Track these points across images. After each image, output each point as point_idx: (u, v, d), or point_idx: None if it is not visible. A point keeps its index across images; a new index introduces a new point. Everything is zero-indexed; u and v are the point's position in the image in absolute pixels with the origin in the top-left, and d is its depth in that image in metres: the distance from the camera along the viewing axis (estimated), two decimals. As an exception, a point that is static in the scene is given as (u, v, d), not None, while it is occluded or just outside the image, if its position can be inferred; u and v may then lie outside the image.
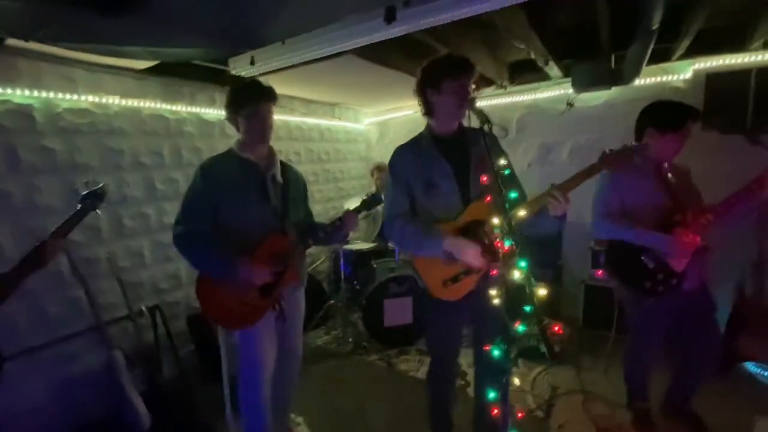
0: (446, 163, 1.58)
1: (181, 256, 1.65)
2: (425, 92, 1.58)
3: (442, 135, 1.63)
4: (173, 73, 2.66)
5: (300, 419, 2.20)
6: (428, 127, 1.67)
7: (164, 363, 2.48)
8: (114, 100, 2.45)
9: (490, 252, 1.43)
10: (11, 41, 1.90)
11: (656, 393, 2.08)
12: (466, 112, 1.51)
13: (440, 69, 1.52)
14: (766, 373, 2.49)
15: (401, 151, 1.68)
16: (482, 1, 1.61)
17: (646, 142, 1.78)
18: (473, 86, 1.52)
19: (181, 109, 2.84)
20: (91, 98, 2.35)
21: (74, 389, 2.19)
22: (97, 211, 1.63)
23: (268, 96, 1.67)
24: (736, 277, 2.49)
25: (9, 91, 2.04)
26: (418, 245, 1.58)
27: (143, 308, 2.40)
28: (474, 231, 1.51)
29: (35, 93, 2.13)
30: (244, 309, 1.65)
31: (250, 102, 1.65)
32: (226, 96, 1.70)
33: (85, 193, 1.58)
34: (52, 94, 2.19)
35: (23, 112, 2.10)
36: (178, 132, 2.84)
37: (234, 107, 1.68)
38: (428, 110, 1.63)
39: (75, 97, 2.28)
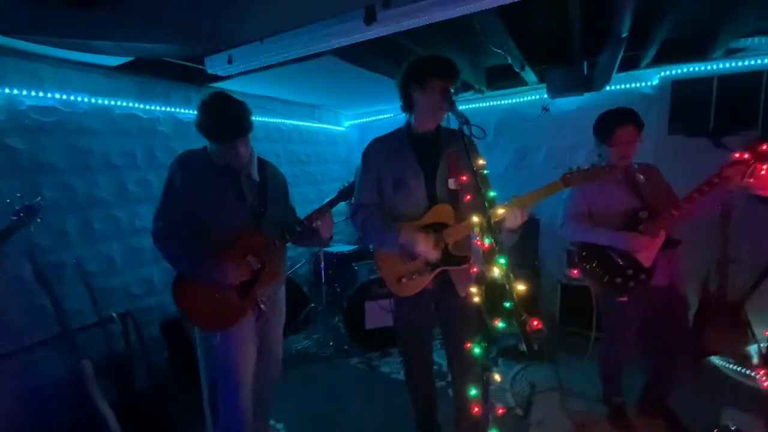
0: (417, 163, 1.59)
1: (160, 253, 1.61)
2: (409, 86, 1.57)
3: (418, 133, 1.64)
4: (147, 72, 2.57)
5: (280, 425, 2.15)
6: (407, 123, 1.68)
7: (137, 371, 2.38)
8: (83, 98, 2.35)
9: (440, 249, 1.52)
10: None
11: (633, 388, 2.14)
12: (446, 113, 1.53)
13: (428, 66, 1.52)
14: (729, 366, 2.61)
15: (376, 144, 1.71)
16: (462, 4, 1.63)
17: (605, 161, 1.84)
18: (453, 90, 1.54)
19: (155, 108, 2.75)
20: (57, 96, 2.24)
21: (40, 400, 2.08)
22: (31, 228, 1.53)
23: (245, 132, 1.57)
24: (701, 275, 2.61)
25: (-33, 86, 1.93)
26: (379, 239, 1.63)
27: (114, 315, 2.30)
28: (434, 232, 1.54)
29: (-4, 89, 2.02)
30: (224, 310, 1.61)
31: (228, 140, 1.54)
32: (202, 120, 1.51)
33: (19, 207, 1.46)
34: (15, 91, 2.08)
35: (-17, 109, 1.99)
36: (152, 132, 2.74)
37: (214, 138, 1.55)
38: (408, 106, 1.63)
39: (40, 94, 2.17)
